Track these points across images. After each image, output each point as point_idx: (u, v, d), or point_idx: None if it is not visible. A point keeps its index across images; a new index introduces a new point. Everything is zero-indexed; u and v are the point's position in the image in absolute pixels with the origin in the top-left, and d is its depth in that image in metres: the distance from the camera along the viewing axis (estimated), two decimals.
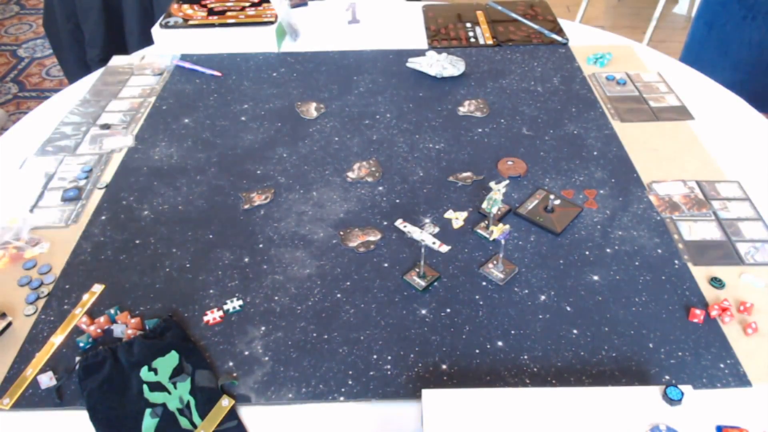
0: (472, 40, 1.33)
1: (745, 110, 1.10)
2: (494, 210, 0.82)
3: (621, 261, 0.80)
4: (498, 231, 0.74)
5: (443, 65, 1.19)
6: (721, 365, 0.67)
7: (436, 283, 0.77)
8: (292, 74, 1.22)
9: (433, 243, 0.73)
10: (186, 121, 1.09)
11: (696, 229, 0.84)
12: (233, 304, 0.74)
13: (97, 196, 0.93)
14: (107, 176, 0.96)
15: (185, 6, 1.37)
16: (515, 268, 0.79)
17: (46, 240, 0.84)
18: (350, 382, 0.66)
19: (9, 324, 0.73)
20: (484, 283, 0.77)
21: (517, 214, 0.87)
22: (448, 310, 0.74)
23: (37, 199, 0.92)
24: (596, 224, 0.85)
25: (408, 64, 1.23)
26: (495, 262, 0.79)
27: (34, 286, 0.78)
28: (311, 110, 1.11)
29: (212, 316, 0.73)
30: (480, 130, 1.05)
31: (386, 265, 0.80)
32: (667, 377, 0.66)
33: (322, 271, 0.79)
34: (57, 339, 0.71)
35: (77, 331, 0.72)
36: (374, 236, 0.84)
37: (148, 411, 0.63)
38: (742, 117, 1.08)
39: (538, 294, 0.76)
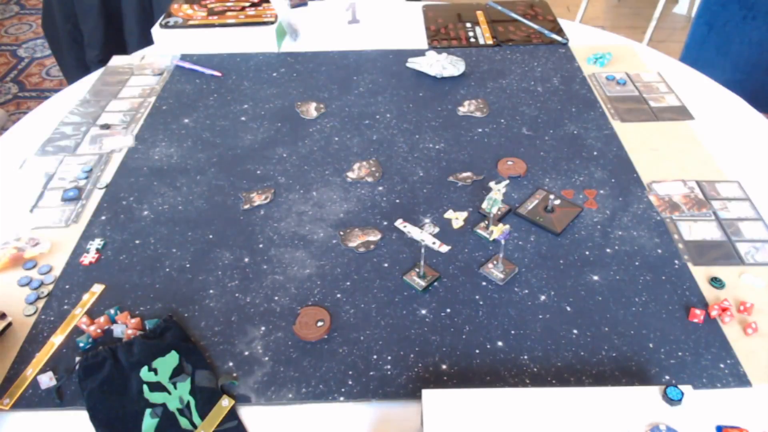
0: (472, 40, 1.33)
1: (745, 110, 1.10)
2: (494, 210, 0.82)
3: (621, 261, 0.80)
4: (498, 231, 0.74)
5: (443, 65, 1.19)
6: (721, 365, 0.67)
7: (436, 283, 0.77)
8: (292, 74, 1.22)
9: (433, 243, 0.73)
10: (186, 121, 1.09)
11: (696, 229, 0.84)
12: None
13: (97, 196, 0.93)
14: (107, 176, 0.96)
15: (185, 6, 1.37)
16: (515, 268, 0.79)
17: (46, 240, 0.84)
18: (350, 382, 0.66)
19: (9, 324, 0.73)
20: (484, 283, 0.77)
21: (517, 214, 0.87)
22: (448, 310, 0.74)
23: (37, 199, 0.92)
24: (596, 224, 0.85)
25: (408, 64, 1.23)
26: (495, 262, 0.79)
27: (34, 286, 0.78)
28: (311, 110, 1.11)
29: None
30: (480, 130, 1.05)
31: (386, 265, 0.80)
32: (667, 377, 0.66)
33: (322, 271, 0.79)
34: (57, 339, 0.71)
35: (77, 331, 0.72)
36: (374, 236, 0.84)
37: (148, 411, 0.63)
38: (742, 117, 1.08)
39: (538, 294, 0.76)
